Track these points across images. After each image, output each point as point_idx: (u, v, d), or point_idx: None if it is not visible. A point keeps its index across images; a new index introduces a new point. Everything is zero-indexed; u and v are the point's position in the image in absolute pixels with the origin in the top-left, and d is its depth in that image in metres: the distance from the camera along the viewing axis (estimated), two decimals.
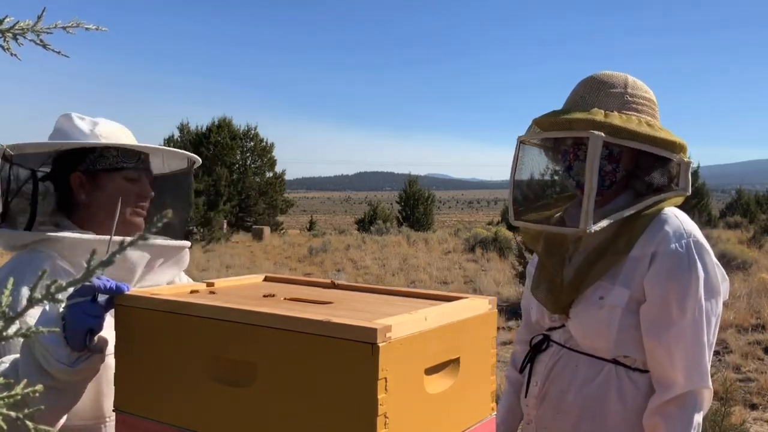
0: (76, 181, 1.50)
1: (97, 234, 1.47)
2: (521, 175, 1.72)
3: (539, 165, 1.76)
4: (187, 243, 1.59)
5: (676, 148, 1.57)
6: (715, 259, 1.57)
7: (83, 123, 1.53)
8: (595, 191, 1.51)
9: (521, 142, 1.71)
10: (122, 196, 1.49)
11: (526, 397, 1.72)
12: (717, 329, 1.56)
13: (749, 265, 11.12)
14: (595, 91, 1.61)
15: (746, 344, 6.72)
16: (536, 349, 1.71)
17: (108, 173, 1.50)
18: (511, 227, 20.88)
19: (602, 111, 1.56)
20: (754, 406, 5.16)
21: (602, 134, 1.50)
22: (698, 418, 1.51)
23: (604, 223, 1.53)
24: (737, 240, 16.02)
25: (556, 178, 1.76)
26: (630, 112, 1.58)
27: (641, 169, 1.60)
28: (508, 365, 1.96)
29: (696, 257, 1.52)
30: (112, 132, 1.54)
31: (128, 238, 1.53)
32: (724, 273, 1.60)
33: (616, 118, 1.54)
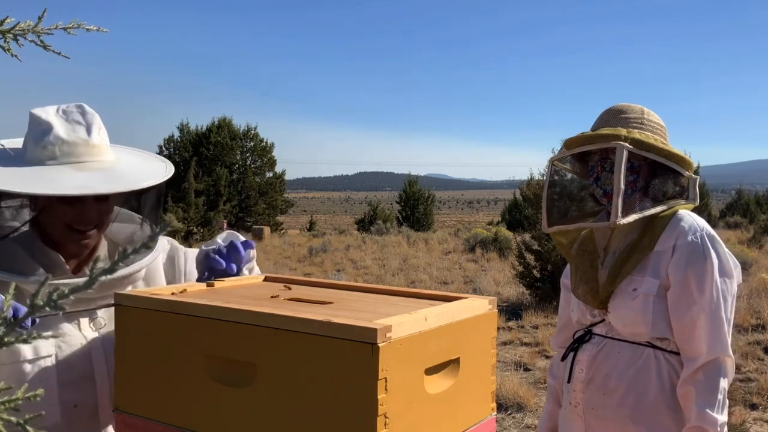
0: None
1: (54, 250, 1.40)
2: (553, 190, 1.98)
3: (569, 181, 2.03)
4: (130, 269, 1.42)
5: (686, 164, 1.82)
6: (726, 248, 1.79)
7: (39, 128, 1.39)
8: (623, 190, 1.73)
9: (553, 162, 1.97)
10: (53, 220, 1.38)
11: (570, 383, 1.91)
12: (733, 307, 1.77)
13: (749, 265, 11.10)
14: (616, 116, 1.89)
15: (746, 344, 6.71)
16: (579, 340, 1.92)
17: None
18: (511, 227, 20.86)
19: (625, 129, 1.82)
20: (754, 406, 5.16)
21: (627, 144, 1.74)
22: (723, 383, 1.70)
23: (632, 217, 1.74)
24: (737, 240, 16.01)
25: (584, 191, 2.00)
26: (647, 132, 1.84)
27: (657, 181, 1.84)
28: (549, 375, 2.15)
29: (710, 246, 1.75)
30: (62, 140, 1.38)
31: (56, 281, 1.36)
32: (736, 260, 1.81)
33: (637, 134, 1.80)
